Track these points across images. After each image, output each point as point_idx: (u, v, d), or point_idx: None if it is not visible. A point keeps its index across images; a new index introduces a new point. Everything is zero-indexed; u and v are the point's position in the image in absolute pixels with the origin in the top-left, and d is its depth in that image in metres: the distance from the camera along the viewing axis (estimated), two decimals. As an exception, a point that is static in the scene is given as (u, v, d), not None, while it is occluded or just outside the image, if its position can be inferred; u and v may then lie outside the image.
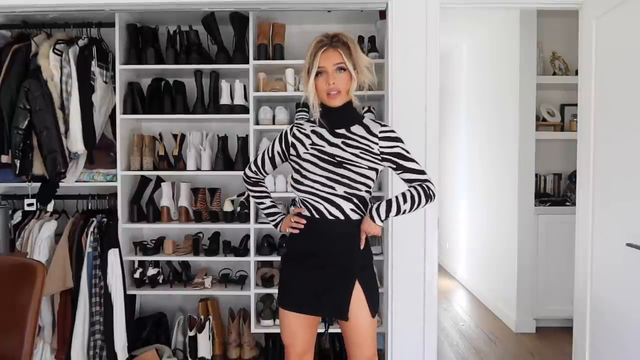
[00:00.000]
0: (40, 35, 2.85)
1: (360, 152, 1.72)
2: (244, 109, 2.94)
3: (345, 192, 1.69)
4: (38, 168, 2.77)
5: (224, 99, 2.93)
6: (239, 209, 2.96)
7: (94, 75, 2.80)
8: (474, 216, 4.68)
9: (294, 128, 1.84)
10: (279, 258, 2.94)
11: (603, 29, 2.29)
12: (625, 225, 2.07)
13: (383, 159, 1.74)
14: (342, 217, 1.72)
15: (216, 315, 3.05)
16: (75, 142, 2.72)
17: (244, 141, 2.99)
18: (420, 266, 2.52)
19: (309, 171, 1.73)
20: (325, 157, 1.73)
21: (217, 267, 3.17)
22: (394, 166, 1.75)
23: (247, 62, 2.89)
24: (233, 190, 3.10)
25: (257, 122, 2.97)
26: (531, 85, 3.58)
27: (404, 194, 1.71)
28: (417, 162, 1.75)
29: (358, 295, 1.71)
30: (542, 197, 3.76)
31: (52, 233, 2.78)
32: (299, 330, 1.79)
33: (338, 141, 1.75)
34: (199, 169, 2.97)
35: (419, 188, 1.71)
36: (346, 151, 1.73)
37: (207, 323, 2.95)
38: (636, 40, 2.01)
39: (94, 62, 2.80)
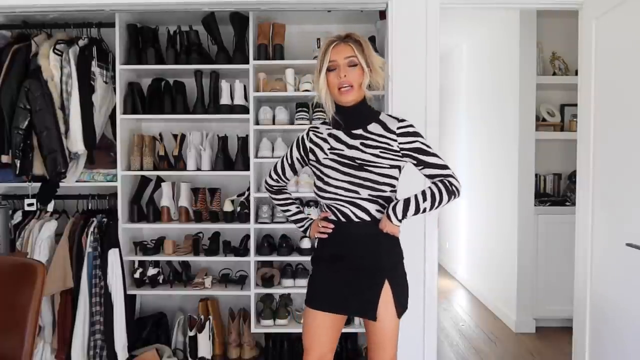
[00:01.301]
0: (40, 36, 2.85)
1: (380, 152, 1.67)
2: (244, 109, 2.94)
3: (369, 194, 1.66)
4: (38, 168, 2.77)
5: (224, 99, 2.93)
6: (239, 209, 2.96)
7: (94, 76, 2.80)
8: (474, 216, 4.68)
9: (310, 132, 1.81)
10: (279, 258, 2.95)
11: (603, 29, 2.29)
12: (625, 225, 2.07)
13: (404, 155, 1.68)
14: (368, 219, 1.69)
15: (216, 315, 3.05)
16: (76, 142, 2.72)
17: (244, 141, 2.99)
18: (420, 266, 2.52)
19: (330, 177, 1.70)
20: (346, 161, 1.69)
21: (217, 267, 3.17)
22: (415, 162, 1.69)
23: (247, 62, 2.89)
24: (233, 190, 3.10)
25: (257, 122, 2.97)
26: (531, 86, 3.58)
27: (424, 192, 1.65)
28: (438, 157, 1.68)
29: (386, 295, 1.69)
30: (542, 197, 3.76)
31: (52, 233, 2.79)
32: (322, 331, 1.76)
33: (356, 143, 1.70)
34: (199, 169, 2.97)
35: (439, 184, 1.65)
36: (366, 152, 1.68)
37: (207, 323, 2.95)
38: (636, 40, 2.01)
39: (94, 62, 2.80)
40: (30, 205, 2.84)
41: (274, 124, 2.96)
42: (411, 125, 1.71)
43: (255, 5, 2.63)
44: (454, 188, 1.65)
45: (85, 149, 2.76)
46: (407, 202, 1.66)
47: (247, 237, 3.00)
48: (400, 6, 2.50)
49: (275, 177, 1.90)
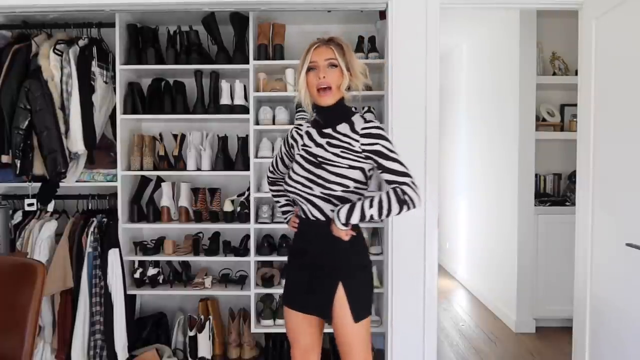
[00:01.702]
0: (40, 36, 2.85)
1: (342, 151, 1.67)
2: (244, 109, 2.94)
3: (321, 192, 1.66)
4: (38, 168, 2.77)
5: (224, 99, 2.93)
6: (239, 209, 2.97)
7: (94, 76, 2.80)
8: (474, 216, 4.68)
9: (294, 129, 1.87)
10: (279, 258, 2.95)
11: (603, 29, 2.29)
12: (624, 225, 2.07)
13: (366, 157, 1.66)
14: (322, 219, 1.70)
15: (216, 315, 3.05)
16: (76, 142, 2.72)
17: (244, 141, 2.99)
18: (420, 266, 2.53)
19: (294, 172, 1.74)
20: (310, 158, 1.73)
21: (217, 267, 3.17)
22: (376, 165, 1.66)
23: (247, 62, 2.89)
24: (233, 190, 3.10)
25: (257, 122, 2.97)
26: (531, 86, 3.58)
27: (372, 199, 1.60)
28: (400, 163, 1.63)
29: (341, 298, 1.67)
30: (542, 197, 3.76)
31: (52, 233, 2.79)
32: (298, 326, 1.80)
33: (323, 141, 1.73)
34: (199, 169, 2.97)
35: (391, 193, 1.59)
36: (328, 151, 1.70)
37: (207, 323, 2.95)
38: (636, 40, 2.01)
39: (94, 62, 2.80)
40: (30, 205, 2.84)
41: (274, 124, 2.96)
42: (377, 128, 1.67)
43: (255, 5, 2.63)
44: (406, 197, 1.58)
45: (86, 149, 2.76)
46: (352, 207, 1.61)
47: (247, 237, 3.00)
48: (400, 6, 2.50)
49: (272, 169, 2.01)
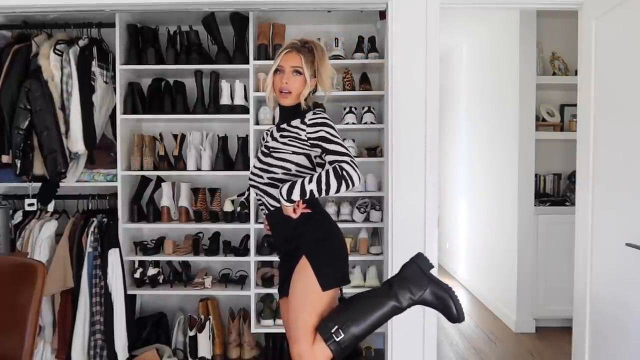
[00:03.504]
0: (40, 36, 2.85)
1: (289, 140, 1.78)
2: (244, 109, 2.94)
3: (268, 177, 1.78)
4: (38, 168, 2.77)
5: (224, 99, 2.93)
6: (239, 209, 2.97)
7: (94, 76, 2.80)
8: (474, 216, 4.68)
9: (265, 131, 2.01)
10: (279, 258, 2.94)
11: (603, 29, 2.29)
12: (624, 225, 2.07)
13: (312, 145, 1.75)
14: (278, 205, 1.78)
15: (216, 315, 3.05)
16: (76, 142, 2.72)
17: (244, 141, 2.99)
18: (420, 266, 2.52)
19: (253, 166, 1.88)
20: (265, 150, 1.85)
21: (217, 267, 3.18)
22: (320, 150, 1.74)
23: (247, 62, 2.89)
24: (233, 190, 3.10)
25: (257, 122, 2.97)
26: (531, 86, 3.58)
27: (312, 175, 1.68)
28: (341, 146, 1.71)
29: (302, 266, 1.73)
30: (542, 197, 3.76)
31: (52, 233, 2.79)
32: (284, 317, 1.91)
33: (278, 135, 1.84)
34: (199, 169, 2.97)
35: (330, 169, 1.66)
36: (279, 141, 1.81)
37: (207, 323, 2.95)
38: (636, 40, 2.01)
39: (94, 62, 2.81)
40: (30, 205, 2.84)
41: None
42: (323, 117, 1.77)
43: (255, 5, 2.63)
44: (344, 172, 1.64)
45: (86, 149, 2.76)
46: (293, 184, 1.68)
47: (247, 237, 3.01)
48: (400, 6, 2.50)
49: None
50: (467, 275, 4.89)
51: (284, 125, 1.84)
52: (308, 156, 1.79)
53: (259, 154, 1.88)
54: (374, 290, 1.88)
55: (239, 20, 2.90)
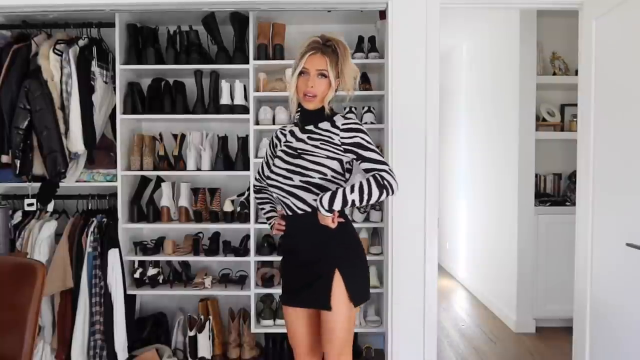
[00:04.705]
0: (40, 36, 2.85)
1: (321, 143, 1.75)
2: (244, 109, 2.94)
3: (300, 181, 1.72)
4: (38, 168, 2.77)
5: (224, 99, 2.93)
6: (239, 209, 2.97)
7: (94, 76, 2.80)
8: (474, 216, 4.68)
9: (278, 130, 1.96)
10: (279, 258, 2.94)
11: (603, 29, 2.29)
12: (625, 225, 2.07)
13: (345, 150, 1.73)
14: (309, 210, 1.75)
15: (216, 315, 3.05)
16: (76, 142, 2.72)
17: (244, 141, 2.99)
18: (420, 266, 2.53)
19: (275, 166, 1.81)
20: (290, 152, 1.80)
21: (217, 267, 3.17)
22: (355, 156, 1.72)
23: (247, 62, 2.89)
24: (233, 190, 3.10)
25: (257, 122, 2.97)
26: (531, 85, 3.58)
27: (353, 185, 1.66)
28: (377, 153, 1.71)
29: (338, 285, 1.72)
30: (542, 197, 3.76)
31: (52, 233, 2.78)
32: (298, 327, 1.84)
33: (304, 136, 1.80)
34: (199, 169, 2.97)
35: (371, 179, 1.65)
36: (308, 144, 1.77)
37: (207, 323, 2.95)
38: (636, 40, 2.01)
39: (94, 62, 2.80)
40: (30, 205, 2.84)
41: (274, 124, 2.96)
42: (356, 123, 1.76)
43: (255, 5, 2.63)
44: (385, 182, 1.64)
45: (85, 149, 2.76)
46: (334, 193, 1.65)
47: (247, 237, 3.00)
48: (400, 6, 2.50)
49: (258, 177, 2.07)
50: (467, 275, 4.89)
51: (311, 127, 1.80)
52: (340, 162, 1.75)
53: (281, 154, 1.82)
54: None
55: (239, 20, 2.89)
